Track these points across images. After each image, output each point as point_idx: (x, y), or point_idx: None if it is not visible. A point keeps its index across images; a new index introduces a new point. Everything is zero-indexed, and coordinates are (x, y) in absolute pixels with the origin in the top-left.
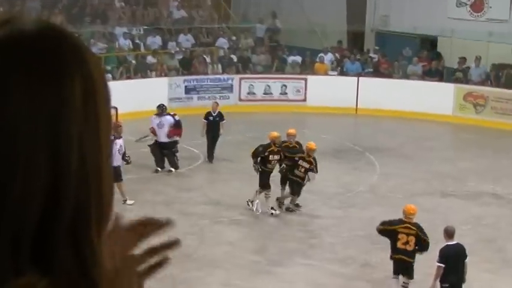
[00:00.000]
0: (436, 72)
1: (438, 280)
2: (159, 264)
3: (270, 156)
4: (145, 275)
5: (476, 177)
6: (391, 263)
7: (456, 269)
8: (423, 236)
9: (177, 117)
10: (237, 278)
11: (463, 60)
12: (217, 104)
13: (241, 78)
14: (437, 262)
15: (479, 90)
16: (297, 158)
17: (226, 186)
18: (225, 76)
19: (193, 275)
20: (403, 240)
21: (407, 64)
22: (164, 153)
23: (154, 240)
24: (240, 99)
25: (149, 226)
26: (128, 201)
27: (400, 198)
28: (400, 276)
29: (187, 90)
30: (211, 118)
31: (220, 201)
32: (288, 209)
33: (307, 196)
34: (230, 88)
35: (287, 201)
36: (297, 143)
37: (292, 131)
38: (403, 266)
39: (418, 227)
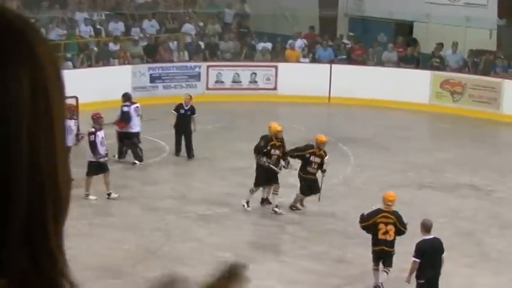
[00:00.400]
0: (412, 58)
1: (414, 275)
2: None
3: (272, 150)
4: None
5: (454, 168)
6: (367, 258)
7: (433, 264)
8: (401, 227)
9: (125, 109)
10: (204, 275)
11: (439, 46)
12: (190, 97)
13: (208, 66)
14: (413, 257)
15: (457, 78)
16: (307, 155)
17: (193, 180)
18: (192, 64)
19: (158, 273)
20: (382, 230)
21: (382, 50)
22: (124, 142)
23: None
24: (208, 88)
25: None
26: (90, 196)
27: (375, 191)
28: (381, 265)
29: (152, 79)
30: (182, 111)
31: (188, 195)
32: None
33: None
34: (197, 76)
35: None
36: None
37: (273, 123)
38: (383, 256)
39: (397, 216)
